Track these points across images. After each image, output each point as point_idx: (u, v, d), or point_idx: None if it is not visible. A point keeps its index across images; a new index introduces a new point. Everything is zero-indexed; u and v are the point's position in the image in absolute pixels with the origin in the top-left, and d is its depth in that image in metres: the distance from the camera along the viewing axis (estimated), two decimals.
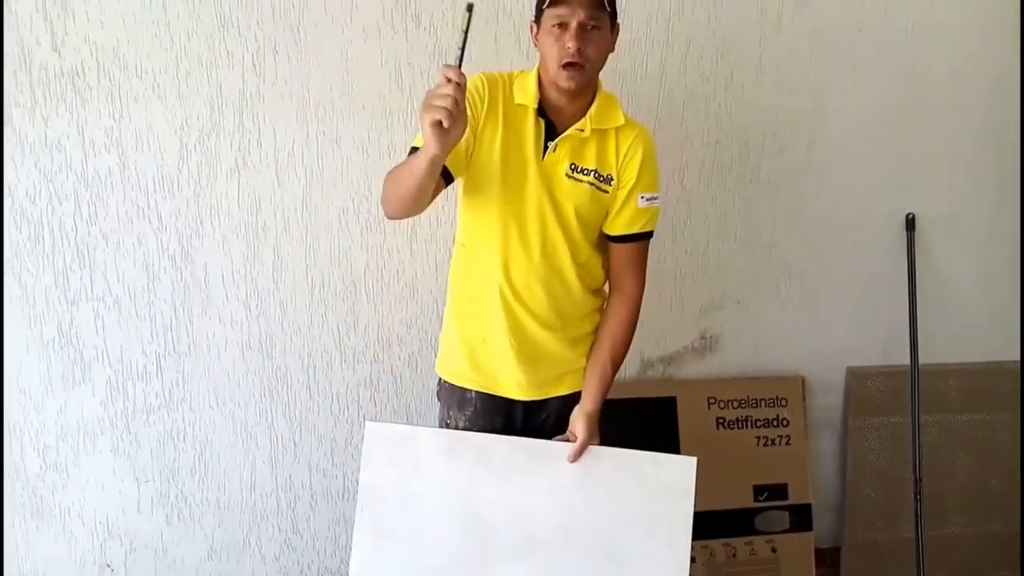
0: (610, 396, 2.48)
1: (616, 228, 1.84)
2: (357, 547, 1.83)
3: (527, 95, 1.76)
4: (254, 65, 2.15)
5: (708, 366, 2.63)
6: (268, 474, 2.48)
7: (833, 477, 2.77)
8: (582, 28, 1.66)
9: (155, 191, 2.20)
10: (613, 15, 1.72)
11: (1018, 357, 2.72)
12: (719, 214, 2.49)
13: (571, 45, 1.65)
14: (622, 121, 1.79)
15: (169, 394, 2.37)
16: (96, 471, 2.39)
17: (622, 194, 1.81)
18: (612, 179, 1.80)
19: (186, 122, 2.16)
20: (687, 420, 2.58)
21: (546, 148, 1.77)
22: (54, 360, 2.28)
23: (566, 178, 1.78)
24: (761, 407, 2.63)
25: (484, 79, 1.78)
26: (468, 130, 1.71)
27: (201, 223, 2.24)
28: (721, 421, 2.61)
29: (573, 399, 1.90)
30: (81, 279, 2.23)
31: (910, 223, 2.56)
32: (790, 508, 2.62)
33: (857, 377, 2.68)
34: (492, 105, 1.77)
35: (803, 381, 2.66)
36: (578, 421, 1.85)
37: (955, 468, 2.75)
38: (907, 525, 2.68)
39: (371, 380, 2.43)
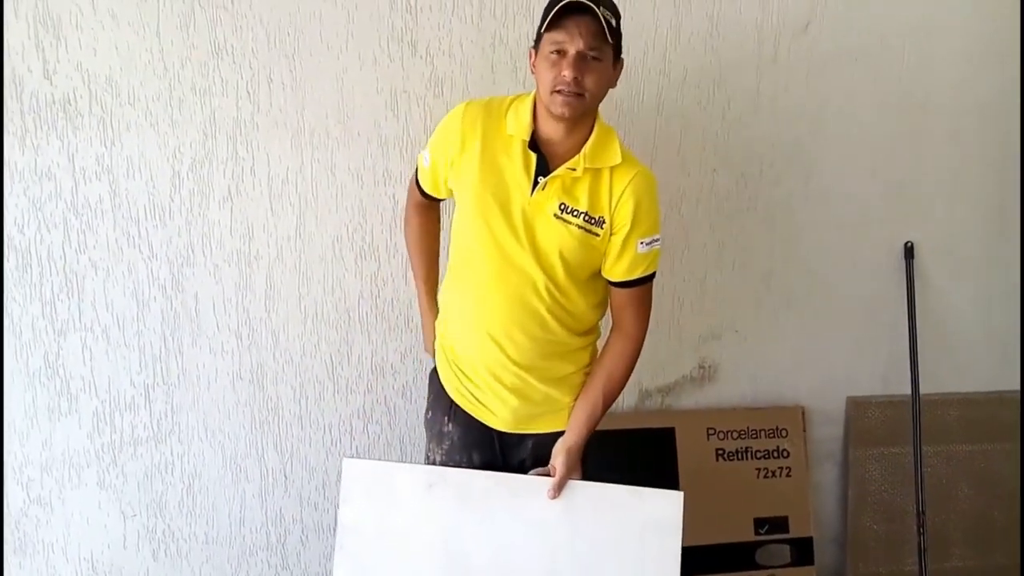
0: (608, 427, 2.45)
1: (616, 275, 1.76)
2: None
3: (520, 125, 1.69)
4: (248, 93, 2.13)
5: (707, 396, 2.59)
6: (258, 508, 2.43)
7: (834, 509, 2.73)
8: (581, 57, 1.59)
9: (146, 219, 2.17)
10: (617, 49, 1.66)
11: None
12: (717, 243, 2.47)
13: (567, 73, 1.58)
14: (619, 159, 1.69)
15: (157, 426, 2.32)
16: (81, 505, 2.33)
17: (617, 240, 1.71)
18: (604, 222, 1.70)
19: (179, 150, 2.13)
20: (686, 451, 2.54)
21: (536, 184, 1.68)
22: (40, 391, 2.22)
23: (554, 219, 1.69)
24: (761, 438, 2.59)
25: (463, 113, 1.74)
26: (445, 167, 1.78)
27: (192, 251, 2.21)
28: (720, 452, 2.57)
29: (556, 438, 1.82)
30: (69, 308, 2.18)
31: (909, 251, 2.54)
32: (791, 541, 2.58)
33: (858, 407, 2.65)
34: (469, 137, 1.71)
35: (803, 411, 2.62)
36: (559, 455, 1.77)
37: (957, 500, 2.71)
38: (910, 558, 2.64)
39: (364, 411, 2.39)
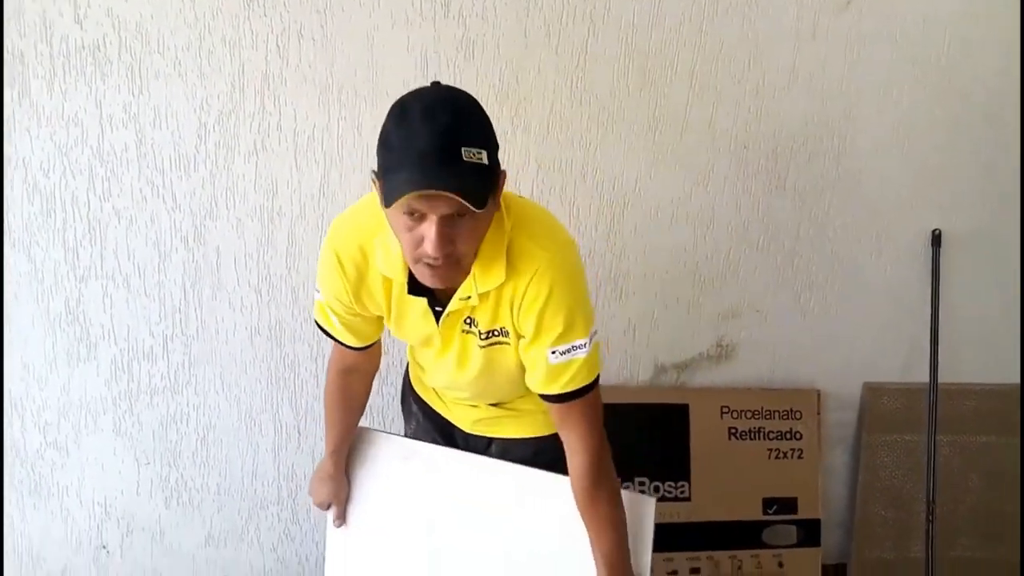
0: (622, 400, 2.48)
1: (535, 387, 1.48)
2: (331, 538, 1.84)
3: (392, 266, 1.40)
4: (278, 47, 2.10)
5: (723, 375, 2.58)
6: (271, 462, 2.45)
7: (844, 493, 2.73)
8: (447, 221, 1.23)
9: (171, 170, 2.16)
10: (493, 181, 1.28)
11: None
12: (742, 220, 2.44)
13: (431, 249, 1.23)
14: (502, 278, 1.36)
15: (175, 376, 2.34)
16: (96, 451, 2.36)
17: (525, 344, 1.43)
18: (507, 332, 1.44)
19: (206, 101, 2.12)
20: (699, 428, 2.54)
21: (438, 315, 1.46)
22: (60, 336, 2.24)
23: (463, 334, 1.49)
24: (775, 419, 2.58)
25: (336, 261, 1.46)
26: (355, 312, 1.54)
27: (216, 205, 2.20)
28: (733, 431, 2.56)
29: (517, 443, 1.74)
30: (91, 256, 2.19)
31: (936, 239, 2.51)
32: (799, 523, 2.58)
33: (874, 393, 2.63)
34: (355, 281, 1.47)
35: (819, 394, 2.61)
36: None
37: (967, 490, 2.70)
38: (916, 545, 2.64)
39: (380, 372, 2.37)
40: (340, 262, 1.46)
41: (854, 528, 2.70)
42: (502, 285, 1.38)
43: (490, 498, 1.70)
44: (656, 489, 2.52)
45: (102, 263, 2.20)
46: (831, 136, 2.39)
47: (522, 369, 1.51)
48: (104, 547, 2.46)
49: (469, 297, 1.40)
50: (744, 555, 2.57)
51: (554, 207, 2.30)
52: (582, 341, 1.40)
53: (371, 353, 1.71)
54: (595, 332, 1.44)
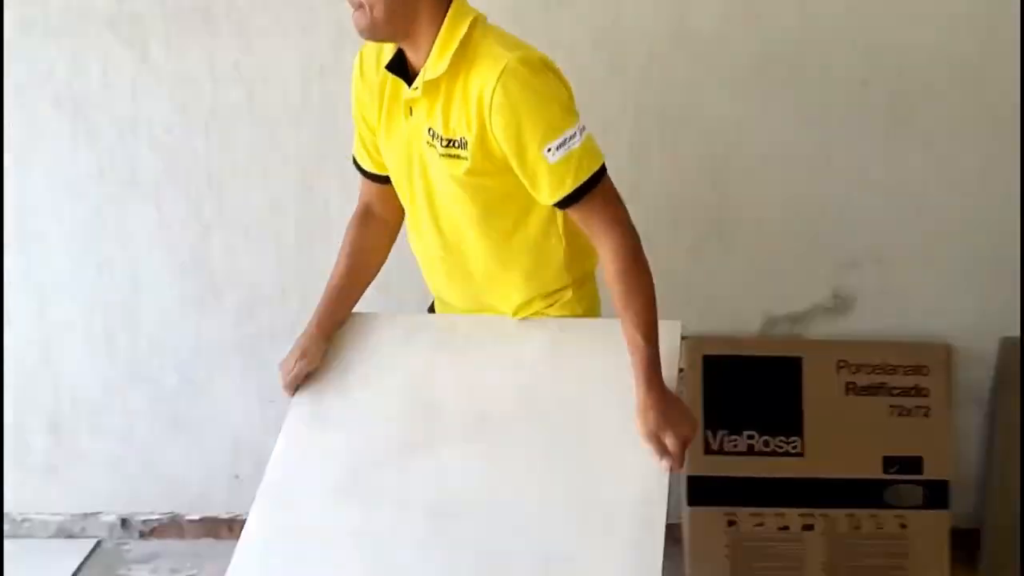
0: (730, 352, 2.40)
1: (546, 198, 1.40)
2: (284, 431, 1.69)
3: (389, 48, 1.45)
4: None
5: (840, 327, 2.44)
6: None
7: (976, 454, 2.54)
8: None
9: (280, 124, 2.25)
10: None
11: None
12: (862, 163, 2.28)
13: None
14: (442, 68, 1.35)
15: (295, 320, 2.46)
16: (226, 389, 2.54)
17: (516, 162, 1.37)
18: (466, 142, 1.38)
19: (309, 56, 2.19)
20: (812, 383, 2.42)
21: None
22: (188, 284, 2.41)
23: (427, 146, 1.43)
24: (898, 374, 2.43)
25: (356, 63, 1.55)
26: (370, 129, 1.56)
27: (323, 157, 2.29)
28: (851, 386, 2.43)
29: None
30: (212, 208, 2.34)
31: None
32: (924, 483, 2.43)
33: (1012, 349, 2.42)
34: (369, 77, 1.52)
35: (948, 349, 2.43)
36: (638, 422, 1.44)
37: None
38: None
39: None
40: (362, 58, 1.53)
41: (987, 492, 2.52)
42: (465, 86, 1.35)
43: (516, 360, 1.58)
44: (766, 444, 2.44)
45: (221, 214, 2.34)
46: (964, 71, 2.18)
47: (492, 198, 1.46)
48: (237, 476, 2.65)
49: (417, 88, 1.39)
50: (863, 514, 2.44)
51: (654, 156, 2.25)
52: (572, 130, 1.35)
53: (388, 199, 1.65)
54: (583, 127, 1.38)
